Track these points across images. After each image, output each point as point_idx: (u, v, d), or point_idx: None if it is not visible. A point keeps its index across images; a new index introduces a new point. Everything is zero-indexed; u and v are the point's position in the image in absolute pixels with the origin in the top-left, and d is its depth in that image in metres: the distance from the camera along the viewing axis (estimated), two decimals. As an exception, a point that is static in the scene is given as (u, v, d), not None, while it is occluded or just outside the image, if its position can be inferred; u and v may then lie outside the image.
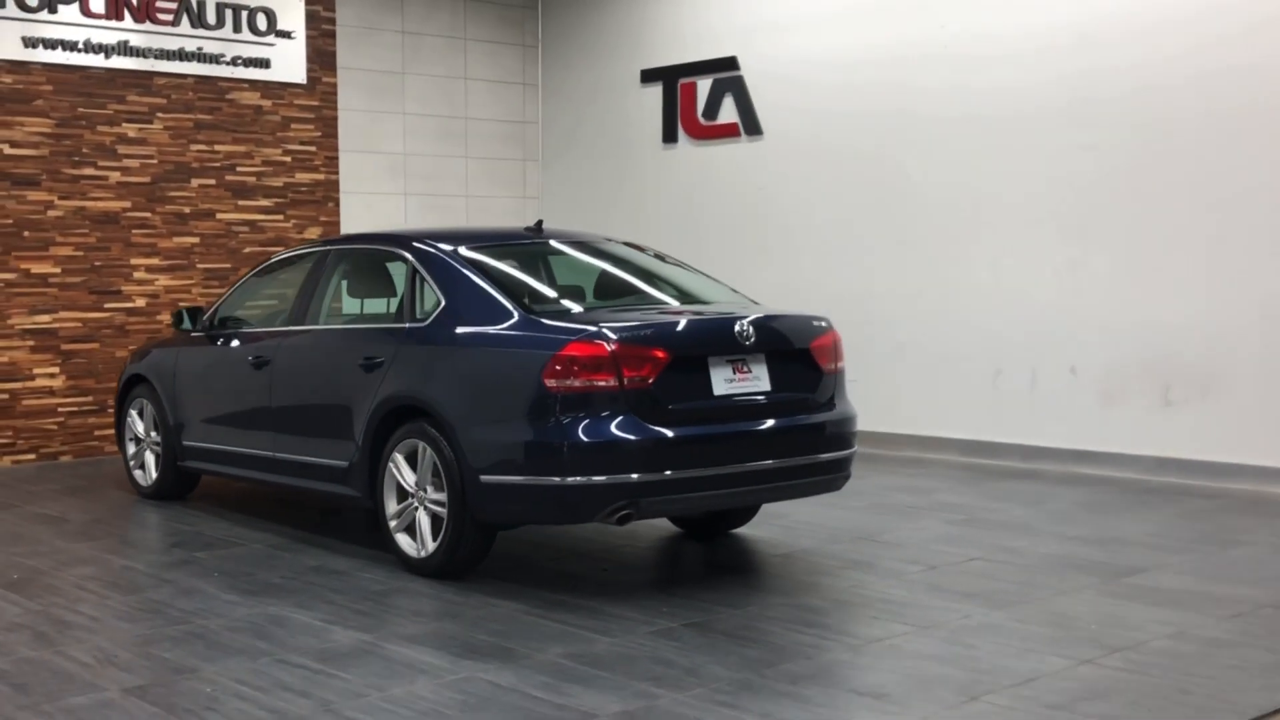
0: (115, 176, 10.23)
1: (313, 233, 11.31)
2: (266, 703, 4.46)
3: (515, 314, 6.04)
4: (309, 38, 11.22)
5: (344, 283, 7.24)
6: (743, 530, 7.30)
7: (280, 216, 11.13)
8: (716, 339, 5.99)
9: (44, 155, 9.87)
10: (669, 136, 11.94)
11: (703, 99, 11.67)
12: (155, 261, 10.41)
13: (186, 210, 10.59)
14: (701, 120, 11.67)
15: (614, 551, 6.94)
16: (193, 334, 7.97)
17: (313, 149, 11.32)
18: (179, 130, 10.54)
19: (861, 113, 10.45)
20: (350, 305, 7.25)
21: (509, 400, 5.79)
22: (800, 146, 10.88)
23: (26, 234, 9.79)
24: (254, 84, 10.93)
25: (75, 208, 10.03)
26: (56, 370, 9.88)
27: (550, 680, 4.69)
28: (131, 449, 8.45)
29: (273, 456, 7.16)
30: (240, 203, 10.90)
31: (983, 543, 6.95)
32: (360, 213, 11.56)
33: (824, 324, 6.43)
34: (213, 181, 10.74)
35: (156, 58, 10.37)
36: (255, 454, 7.32)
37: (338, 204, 11.47)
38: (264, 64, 10.94)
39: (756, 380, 6.06)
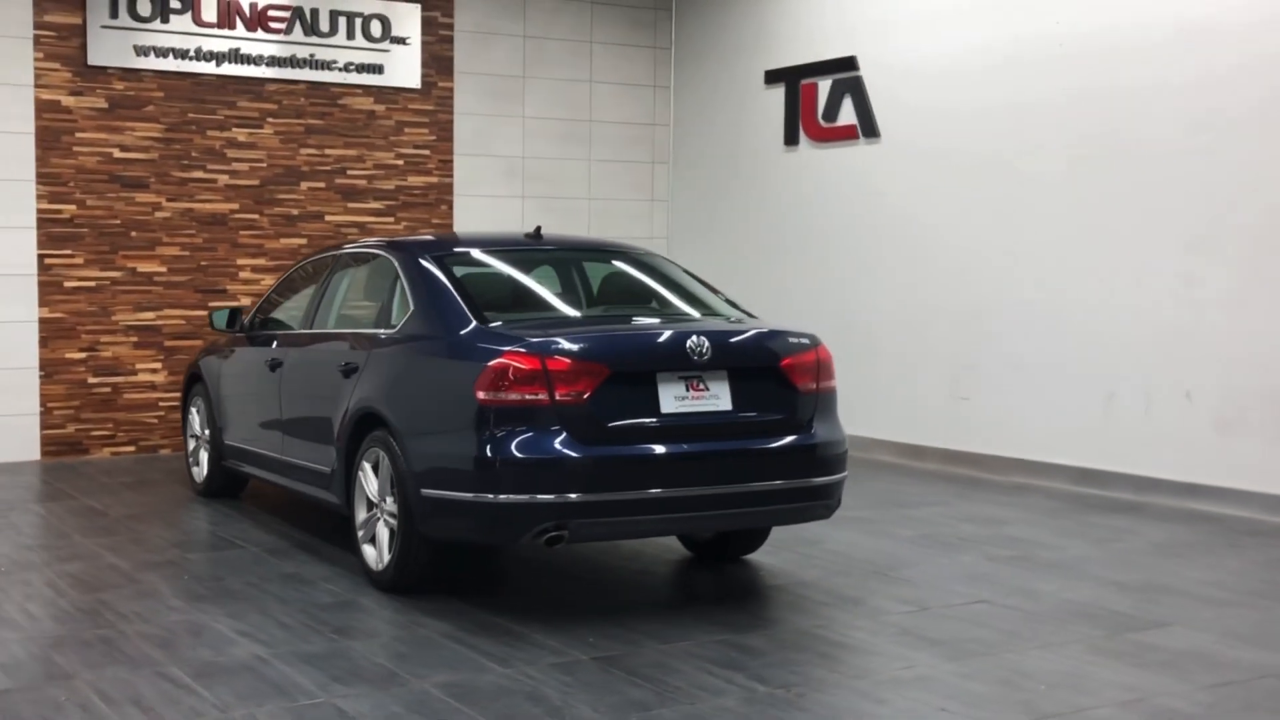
0: (224, 179, 10.52)
1: (424, 235, 11.35)
2: (105, 715, 4.39)
3: (471, 323, 5.84)
4: (425, 43, 11.29)
5: (343, 287, 7.18)
6: (755, 556, 6.89)
7: (391, 219, 11.24)
8: (666, 354, 5.64)
9: (153, 159, 10.22)
10: (790, 139, 11.53)
11: (823, 100, 11.22)
12: (261, 262, 10.65)
13: (295, 212, 10.81)
14: (821, 122, 11.23)
15: (608, 571, 6.68)
16: (235, 334, 8.07)
17: (426, 152, 11.39)
18: (289, 135, 10.76)
19: (976, 115, 9.86)
20: (351, 310, 7.18)
21: (447, 412, 5.61)
22: (916, 151, 10.34)
23: (134, 234, 10.16)
24: (367, 89, 11.07)
25: (183, 209, 10.36)
26: (159, 366, 10.21)
27: (401, 712, 4.49)
28: (190, 445, 8.63)
29: (280, 459, 7.17)
30: (350, 205, 11.06)
31: (1006, 584, 6.38)
32: (474, 215, 11.58)
33: (804, 341, 5.99)
34: (322, 184, 10.93)
35: (268, 65, 10.60)
36: (268, 455, 7.36)
37: (451, 206, 11.52)
38: (377, 70, 11.06)
39: (715, 399, 5.68)
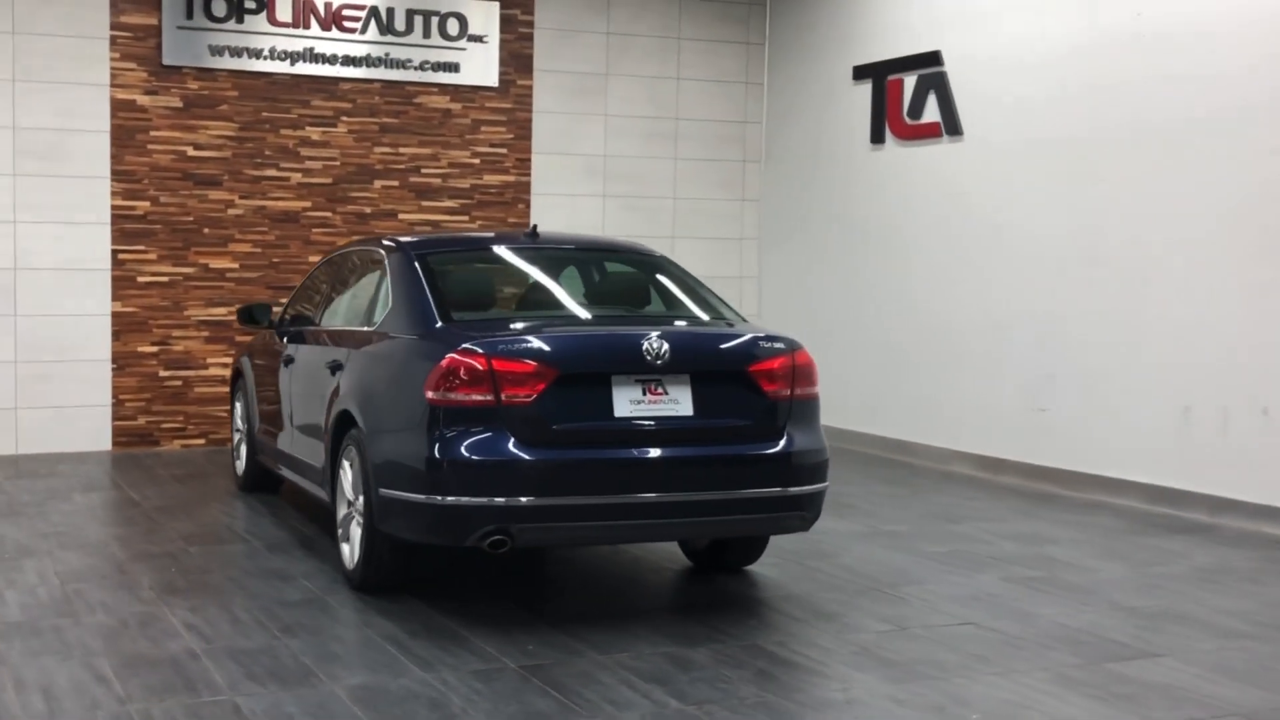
0: (296, 178, 10.78)
1: (500, 235, 11.46)
2: (8, 702, 4.53)
3: (435, 322, 5.86)
4: (503, 41, 11.40)
5: (348, 285, 7.28)
6: (756, 567, 6.78)
7: (465, 218, 11.37)
8: (621, 357, 5.57)
9: (226, 157, 10.54)
10: (877, 137, 11.30)
11: (908, 97, 10.96)
12: (332, 260, 10.86)
13: (368, 210, 11.02)
14: (907, 120, 10.98)
15: (597, 578, 6.67)
16: (262, 329, 8.25)
17: (503, 151, 11.49)
18: (363, 133, 10.97)
19: (1056, 112, 9.52)
20: (347, 307, 7.26)
21: (402, 411, 5.65)
22: (998, 149, 10.04)
23: (206, 231, 10.49)
24: (443, 88, 11.22)
25: (255, 207, 10.65)
26: (229, 360, 10.51)
27: (295, 712, 4.55)
28: (235, 440, 8.87)
29: (289, 454, 7.32)
30: (424, 203, 11.22)
31: (1007, 606, 6.14)
32: (552, 214, 11.63)
33: (779, 346, 5.84)
34: (396, 183, 11.12)
35: (342, 64, 10.83)
36: (282, 451, 7.51)
37: (528, 205, 11.59)
38: (453, 68, 11.20)
39: (674, 403, 5.58)
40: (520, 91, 11.54)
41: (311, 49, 10.73)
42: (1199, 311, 8.46)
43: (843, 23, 11.61)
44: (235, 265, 10.63)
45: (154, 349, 10.40)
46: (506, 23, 11.42)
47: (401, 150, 11.13)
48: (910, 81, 10.92)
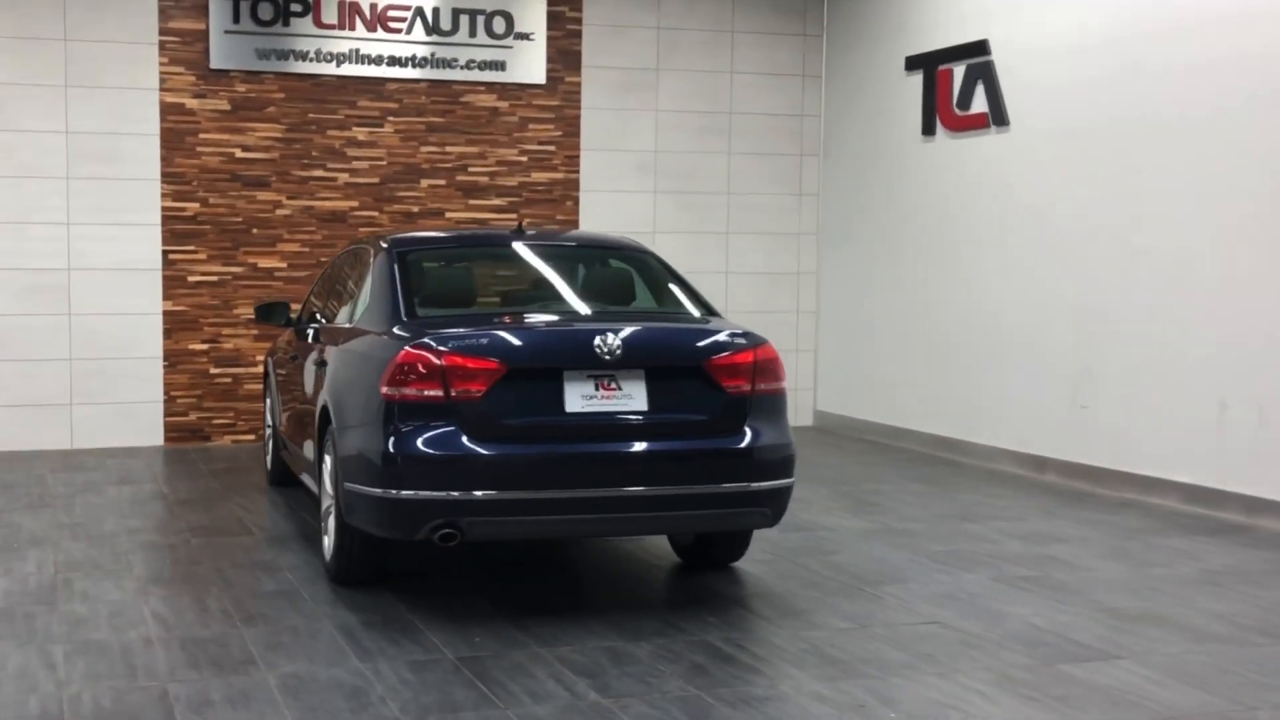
0: (344, 178, 11.08)
1: (548, 232, 11.64)
2: (-46, 682, 4.81)
3: (399, 319, 6.03)
4: (550, 38, 11.56)
5: (346, 283, 7.48)
6: (747, 564, 6.84)
7: (513, 215, 11.55)
8: (572, 352, 5.67)
9: (274, 158, 10.88)
10: (928, 129, 11.22)
11: (957, 87, 10.86)
12: (379, 258, 11.13)
13: (415, 209, 11.27)
14: (956, 111, 10.88)
15: (582, 571, 6.79)
16: (280, 327, 8.51)
17: (551, 148, 11.65)
18: (410, 133, 11.23)
19: (1099, 100, 9.36)
20: (339, 305, 7.46)
21: (362, 406, 5.82)
22: (1043, 140, 9.91)
23: (255, 231, 10.84)
24: (490, 86, 11.43)
25: (303, 207, 10.98)
26: (276, 358, 10.84)
27: (218, 700, 4.75)
28: (266, 435, 9.17)
29: (299, 452, 7.56)
30: (471, 202, 11.44)
31: (981, 606, 6.12)
32: (602, 211, 11.77)
33: (739, 341, 5.89)
34: (443, 182, 11.35)
35: (388, 64, 11.10)
36: (291, 446, 7.76)
37: (576, 202, 11.74)
38: (500, 66, 11.40)
39: (627, 399, 5.67)
40: (568, 88, 11.68)
41: (357, 50, 11.00)
42: (1236, 305, 8.27)
43: (896, 12, 11.55)
44: (283, 265, 10.96)
45: (204, 346, 10.77)
46: (554, 20, 11.57)
47: (448, 149, 11.35)
48: (959, 71, 10.83)
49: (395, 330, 5.90)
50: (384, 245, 6.69)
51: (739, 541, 6.61)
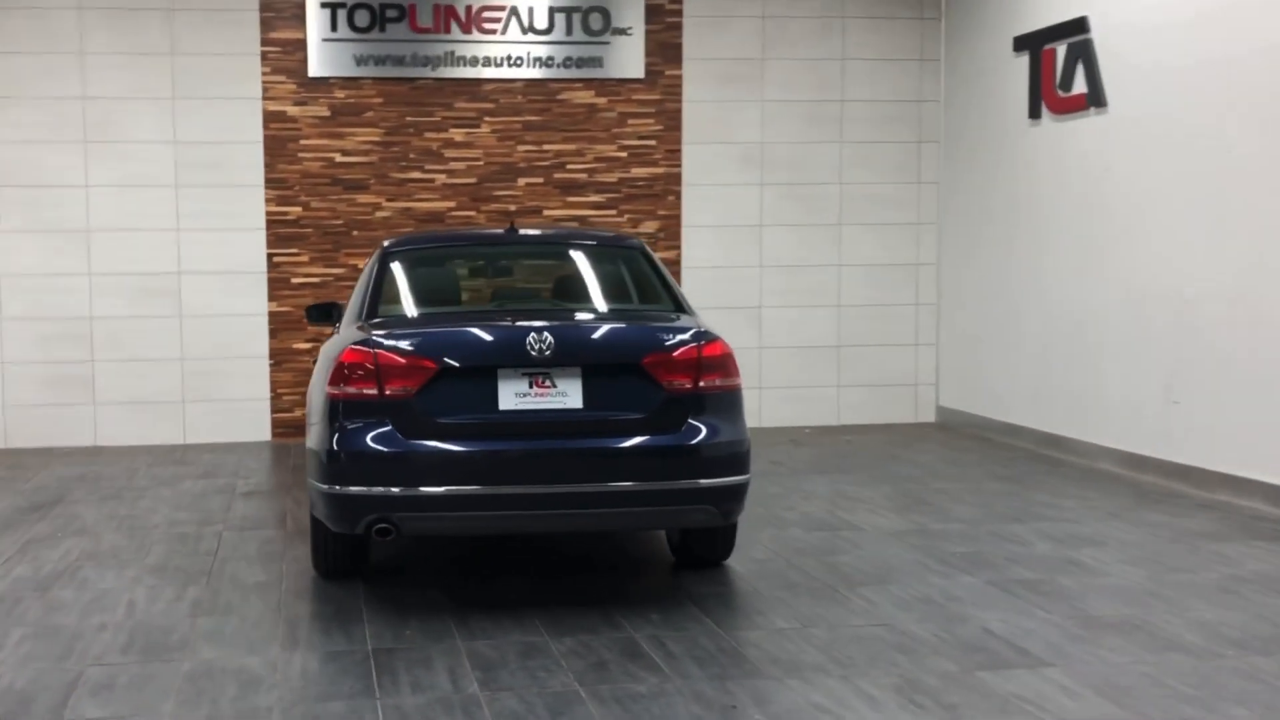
0: (441, 179, 11.51)
1: (648, 226, 11.84)
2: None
3: (358, 320, 6.33)
4: (649, 32, 11.72)
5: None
6: (745, 563, 6.93)
7: (613, 212, 11.78)
8: (505, 351, 5.85)
9: (373, 162, 11.39)
10: (1034, 112, 10.96)
11: (1059, 67, 10.58)
12: (477, 257, 11.53)
13: (512, 208, 11.62)
14: (1059, 92, 10.60)
15: (574, 566, 6.92)
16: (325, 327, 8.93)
17: (652, 143, 11.83)
18: (506, 132, 11.58)
19: (1198, 82, 8.96)
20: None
21: (318, 405, 6.14)
22: (1138, 121, 9.55)
23: (355, 233, 11.37)
24: (587, 83, 11.67)
25: (402, 209, 11.46)
26: (375, 356, 11.35)
27: (127, 681, 5.10)
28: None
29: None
30: (569, 199, 11.71)
31: (949, 610, 6.05)
32: (705, 205, 11.89)
33: (681, 338, 5.95)
34: (540, 180, 11.66)
35: (484, 65, 11.47)
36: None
37: (678, 197, 11.88)
38: (597, 63, 11.64)
39: (562, 396, 5.82)
40: (669, 82, 11.81)
41: (452, 52, 11.40)
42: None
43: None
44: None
45: (307, 346, 11.34)
46: (653, 13, 11.72)
47: (545, 147, 11.64)
48: (1061, 51, 10.53)
49: (353, 330, 6.19)
50: (383, 245, 6.99)
51: (719, 541, 6.65)
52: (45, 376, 11.01)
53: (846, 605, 6.12)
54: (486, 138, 11.53)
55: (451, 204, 11.52)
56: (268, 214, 11.24)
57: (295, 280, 11.32)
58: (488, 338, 6.01)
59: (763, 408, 12.06)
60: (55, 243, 10.97)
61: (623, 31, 11.65)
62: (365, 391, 5.78)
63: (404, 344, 5.84)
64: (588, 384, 5.85)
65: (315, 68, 11.21)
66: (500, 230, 7.27)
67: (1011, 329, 11.23)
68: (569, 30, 11.55)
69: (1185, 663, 5.27)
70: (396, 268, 6.76)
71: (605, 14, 11.59)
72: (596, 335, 6.08)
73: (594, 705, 4.80)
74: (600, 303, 6.71)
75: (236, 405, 11.22)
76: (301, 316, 11.08)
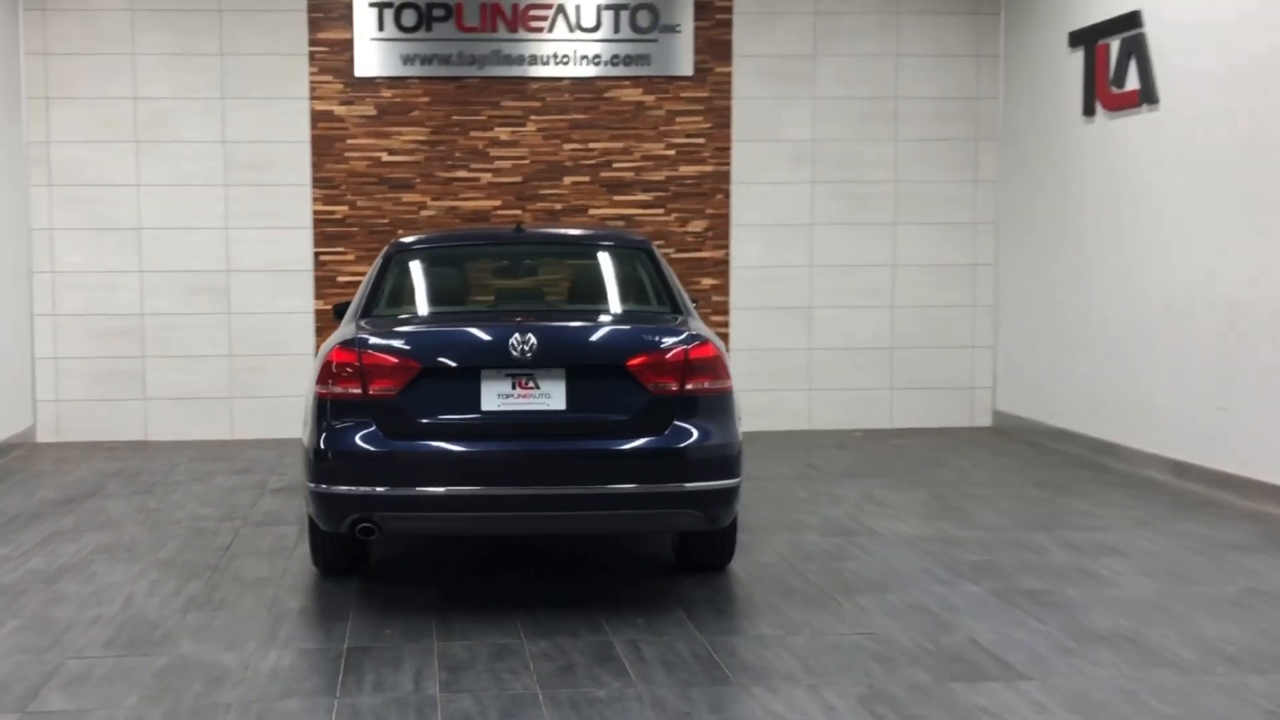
0: (486, 178, 11.60)
1: (696, 225, 11.83)
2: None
3: (354, 320, 6.41)
4: (698, 29, 11.70)
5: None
6: (741, 567, 6.90)
7: (660, 210, 11.78)
8: (488, 351, 5.89)
9: (419, 161, 11.51)
10: (1088, 109, 10.76)
11: (1113, 63, 10.38)
12: (522, 256, 11.60)
13: (558, 207, 11.67)
14: (1112, 89, 10.40)
15: (581, 568, 6.94)
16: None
17: (700, 141, 11.81)
18: (552, 130, 11.64)
19: (1252, 79, 8.75)
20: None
21: (310, 404, 6.23)
22: (1194, 119, 9.32)
23: (401, 232, 11.50)
24: (635, 80, 11.69)
25: (447, 207, 11.57)
26: (420, 354, 11.47)
27: (100, 676, 5.21)
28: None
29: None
30: (615, 198, 11.74)
31: (941, 620, 5.97)
32: (755, 203, 11.85)
33: (668, 340, 5.93)
34: (586, 178, 11.70)
35: (530, 63, 11.54)
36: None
37: (727, 195, 11.84)
38: (645, 60, 11.64)
39: (545, 398, 5.85)
40: (718, 79, 11.78)
41: (499, 51, 11.47)
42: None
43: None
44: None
45: (353, 343, 11.47)
46: (702, 10, 11.69)
47: (592, 145, 11.66)
48: (1115, 46, 10.32)
49: (343, 331, 6.26)
50: (392, 244, 7.08)
51: (718, 545, 6.62)
52: (97, 372, 11.28)
53: (837, 612, 6.05)
54: (532, 136, 11.58)
55: (497, 203, 11.59)
56: (314, 213, 11.40)
57: (341, 279, 11.47)
58: (471, 338, 6.05)
59: (813, 410, 11.98)
60: (107, 241, 11.23)
61: (671, 29, 11.63)
62: (351, 391, 5.85)
63: (388, 343, 5.90)
64: (572, 385, 5.85)
65: (362, 67, 11.34)
66: (506, 231, 7.28)
67: (1063, 332, 11.05)
68: (616, 28, 11.56)
69: (1170, 679, 5.14)
70: (398, 267, 6.83)
71: (654, 11, 11.58)
72: (581, 336, 6.08)
73: (549, 709, 4.80)
74: (595, 304, 6.70)
75: (282, 402, 11.39)
76: (346, 314, 11.20)
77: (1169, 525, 7.85)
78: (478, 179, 11.56)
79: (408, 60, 11.38)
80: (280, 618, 5.96)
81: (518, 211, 11.57)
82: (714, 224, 11.83)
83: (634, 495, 5.81)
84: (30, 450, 10.77)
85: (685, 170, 11.76)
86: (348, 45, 11.33)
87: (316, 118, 11.36)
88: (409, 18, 11.33)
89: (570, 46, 11.52)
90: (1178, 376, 9.37)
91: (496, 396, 5.82)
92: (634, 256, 7.01)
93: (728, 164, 11.81)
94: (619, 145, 11.67)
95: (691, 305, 6.84)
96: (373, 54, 11.32)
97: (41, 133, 11.11)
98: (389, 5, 11.29)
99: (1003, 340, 12.21)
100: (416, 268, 6.91)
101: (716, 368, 5.95)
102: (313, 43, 11.31)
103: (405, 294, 6.75)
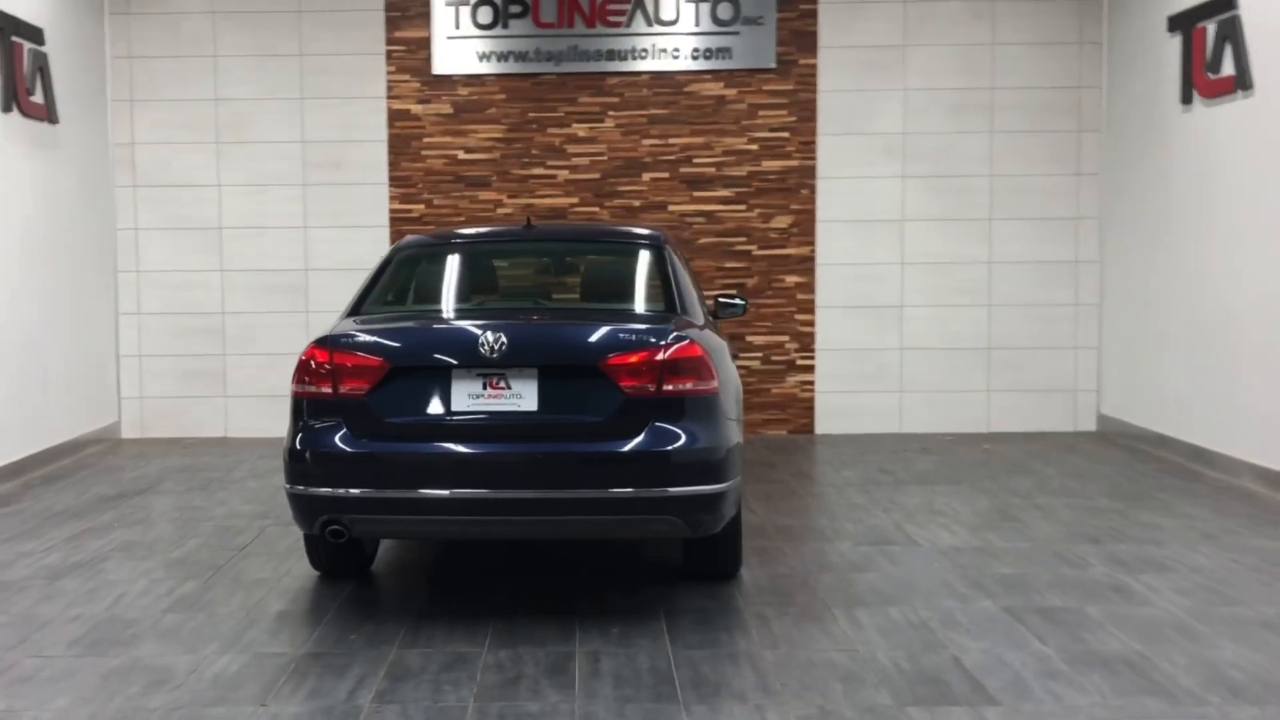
0: (564, 175, 11.50)
1: (780, 221, 11.56)
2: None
3: (343, 318, 6.35)
4: (781, 20, 11.44)
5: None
6: (748, 575, 6.67)
7: (742, 206, 11.54)
8: (458, 351, 5.75)
9: (495, 159, 11.47)
10: (1185, 95, 10.21)
11: (1209, 47, 9.83)
12: (599, 254, 11.48)
13: (636, 204, 11.52)
14: (1208, 75, 9.85)
15: (583, 571, 6.77)
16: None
17: (784, 135, 11.53)
18: (631, 126, 11.49)
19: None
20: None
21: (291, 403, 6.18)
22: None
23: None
24: (716, 74, 11.47)
25: (523, 205, 11.50)
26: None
27: (55, 675, 5.24)
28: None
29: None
30: (695, 194, 11.53)
31: (938, 639, 5.66)
32: (842, 199, 11.53)
33: (644, 339, 5.72)
34: (665, 175, 11.52)
35: (608, 59, 11.41)
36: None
37: (813, 191, 11.55)
38: (726, 53, 11.42)
39: (516, 398, 5.70)
40: (803, 71, 11.49)
41: (576, 46, 11.36)
42: None
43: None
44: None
45: (429, 342, 11.48)
46: (785, 1, 11.41)
47: (671, 141, 11.48)
48: (1211, 30, 9.76)
49: (332, 329, 6.20)
50: (402, 241, 7.01)
51: (720, 553, 6.39)
52: (179, 370, 11.50)
53: (827, 628, 5.77)
54: (610, 132, 11.44)
55: (574, 200, 11.47)
56: (391, 212, 11.43)
57: (418, 277, 11.45)
58: (441, 337, 5.92)
59: (903, 412, 11.59)
60: (190, 241, 11.43)
61: (754, 21, 11.37)
62: (323, 390, 5.78)
63: (360, 341, 5.80)
64: (544, 386, 5.67)
65: (439, 65, 11.34)
66: (514, 228, 7.15)
67: (1162, 332, 10.49)
68: (697, 21, 11.35)
69: (1155, 708, 4.75)
70: (396, 265, 6.75)
71: (735, 3, 11.35)
72: (553, 335, 5.90)
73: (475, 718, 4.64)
74: (588, 302, 6.52)
75: (361, 401, 11.42)
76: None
77: (1238, 540, 7.34)
78: (554, 176, 11.45)
79: (484, 57, 11.34)
80: (254, 621, 5.92)
81: (595, 209, 11.45)
82: (799, 220, 11.52)
83: (607, 500, 5.60)
84: (111, 446, 11.01)
85: (768, 165, 11.48)
86: (425, 44, 11.33)
87: (394, 116, 11.39)
88: (485, 15, 11.29)
89: (649, 41, 11.34)
90: (1274, 381, 8.78)
91: (467, 397, 5.67)
92: (642, 253, 6.80)
93: (813, 158, 11.49)
94: (700, 140, 11.45)
95: (698, 304, 6.59)
96: (450, 52, 11.31)
97: (126, 134, 11.36)
98: (465, 3, 11.27)
99: (1108, 340, 11.65)
100: (414, 265, 6.82)
101: (699, 368, 5.70)
102: (390, 42, 11.34)
103: (397, 292, 6.66)
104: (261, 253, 11.45)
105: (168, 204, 11.39)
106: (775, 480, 9.35)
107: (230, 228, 11.41)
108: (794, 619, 5.89)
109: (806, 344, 11.60)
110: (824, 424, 11.63)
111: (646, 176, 11.45)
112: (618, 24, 11.34)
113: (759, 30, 11.39)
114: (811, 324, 11.58)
